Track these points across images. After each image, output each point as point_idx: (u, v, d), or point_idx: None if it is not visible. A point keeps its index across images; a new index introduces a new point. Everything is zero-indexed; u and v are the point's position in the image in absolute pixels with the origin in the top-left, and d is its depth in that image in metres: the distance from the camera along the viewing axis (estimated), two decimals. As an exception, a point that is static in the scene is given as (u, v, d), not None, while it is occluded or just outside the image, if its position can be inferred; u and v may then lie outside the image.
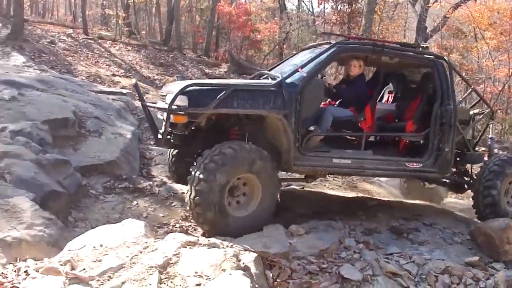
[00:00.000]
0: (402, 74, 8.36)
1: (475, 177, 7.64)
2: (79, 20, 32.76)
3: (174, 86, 6.41)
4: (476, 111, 8.34)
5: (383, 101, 8.52)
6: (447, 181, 8.01)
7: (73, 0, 39.92)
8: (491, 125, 8.47)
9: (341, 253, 5.39)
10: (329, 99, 7.74)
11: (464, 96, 9.84)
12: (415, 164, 7.02)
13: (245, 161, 5.76)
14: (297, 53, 8.35)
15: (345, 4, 26.13)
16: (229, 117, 6.33)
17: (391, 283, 4.95)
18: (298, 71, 6.31)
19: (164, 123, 5.98)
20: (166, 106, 5.81)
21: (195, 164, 5.78)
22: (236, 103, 5.82)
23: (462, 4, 22.21)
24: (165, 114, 5.94)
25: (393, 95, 8.52)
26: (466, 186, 7.89)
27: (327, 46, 6.83)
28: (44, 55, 17.45)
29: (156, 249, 4.44)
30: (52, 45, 20.04)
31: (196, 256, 4.42)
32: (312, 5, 58.45)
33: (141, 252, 4.39)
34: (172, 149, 7.56)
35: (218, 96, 5.67)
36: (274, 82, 6.22)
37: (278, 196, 6.34)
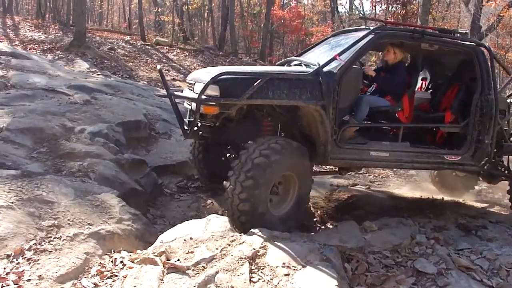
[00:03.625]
0: (437, 60, 7.95)
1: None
2: (133, 27, 33.50)
3: (203, 74, 6.03)
4: None
5: (416, 88, 7.94)
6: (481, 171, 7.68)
7: (128, 8, 40.86)
8: None
9: (414, 248, 5.48)
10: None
11: (504, 85, 9.45)
12: (453, 157, 6.77)
13: (291, 158, 5.56)
14: (326, 38, 7.84)
15: (399, 6, 25.88)
16: (262, 107, 6.04)
17: (465, 277, 5.00)
18: (336, 59, 5.94)
19: (193, 114, 5.77)
20: (195, 96, 5.48)
21: (237, 158, 5.46)
22: (271, 93, 5.47)
23: (517, 1, 21.69)
24: (193, 104, 5.66)
25: (426, 82, 8.21)
26: (502, 177, 7.66)
27: (363, 32, 6.48)
28: (106, 61, 17.96)
29: (243, 242, 4.67)
30: (112, 52, 20.58)
31: (282, 248, 4.63)
32: (363, 8, 58.07)
33: (229, 245, 4.62)
34: (197, 145, 7.30)
35: (253, 86, 5.32)
36: (311, 70, 5.84)
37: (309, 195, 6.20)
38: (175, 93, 6.27)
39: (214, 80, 5.30)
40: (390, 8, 27.34)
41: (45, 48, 17.87)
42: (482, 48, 6.94)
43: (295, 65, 6.91)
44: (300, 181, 5.81)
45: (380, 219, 6.33)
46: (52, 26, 24.33)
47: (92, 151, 6.82)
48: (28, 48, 17.34)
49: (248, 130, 6.12)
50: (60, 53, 17.42)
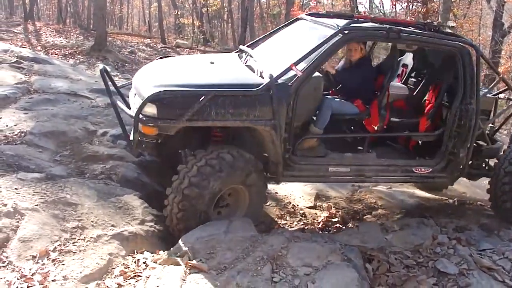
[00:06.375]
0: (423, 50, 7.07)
1: (493, 166, 6.91)
2: (153, 30, 33.76)
3: (144, 83, 5.48)
4: (502, 95, 7.58)
5: (396, 75, 7.46)
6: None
7: (147, 11, 41.14)
8: None
9: (436, 248, 5.48)
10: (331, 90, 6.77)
11: (491, 86, 8.57)
12: (423, 169, 6.24)
13: (243, 171, 5.18)
14: (293, 21, 7.09)
15: (419, 4, 25.52)
16: None
17: (486, 277, 5.00)
18: (292, 69, 5.25)
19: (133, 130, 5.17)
20: (133, 113, 5.04)
21: (184, 164, 5.18)
22: (214, 114, 4.92)
23: (541, -3, 21.40)
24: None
25: (407, 70, 7.56)
26: (483, 175, 7.12)
27: (331, 30, 5.71)
28: (126, 64, 18.10)
29: (264, 243, 4.72)
30: (133, 55, 20.76)
31: (303, 249, 4.69)
32: (383, 6, 57.34)
33: (251, 246, 4.67)
34: None
35: (193, 106, 4.83)
36: (261, 83, 5.15)
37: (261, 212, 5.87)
38: (118, 104, 5.74)
39: (151, 99, 4.84)
40: (410, 7, 27.02)
41: (67, 53, 18.04)
42: (468, 48, 6.17)
43: (247, 65, 6.11)
44: (251, 196, 5.46)
45: (401, 219, 6.36)
46: (73, 30, 24.63)
47: (115, 154, 6.89)
48: (50, 53, 17.52)
49: (196, 141, 5.70)
50: (82, 57, 17.59)
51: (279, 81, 5.21)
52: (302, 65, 5.31)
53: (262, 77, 5.43)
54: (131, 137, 5.40)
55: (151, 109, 4.88)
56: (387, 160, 6.16)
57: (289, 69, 5.26)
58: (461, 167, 6.45)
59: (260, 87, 5.09)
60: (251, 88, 5.12)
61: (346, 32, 5.56)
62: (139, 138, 5.31)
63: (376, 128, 6.17)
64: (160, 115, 4.87)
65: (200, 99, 4.86)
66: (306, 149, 5.78)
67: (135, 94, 5.70)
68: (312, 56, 5.38)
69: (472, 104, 6.06)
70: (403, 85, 7.33)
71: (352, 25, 5.73)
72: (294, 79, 5.26)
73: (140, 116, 4.90)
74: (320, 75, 5.75)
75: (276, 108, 5.09)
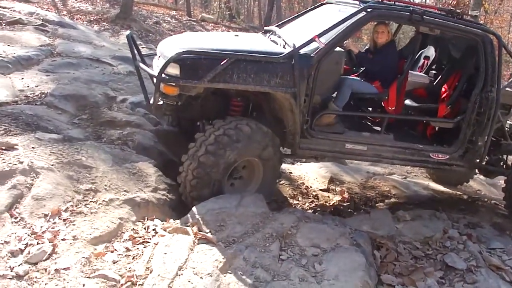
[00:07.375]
0: (444, 37, 6.91)
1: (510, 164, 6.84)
2: (180, 2, 33.64)
3: (168, 47, 5.52)
4: None
5: (417, 67, 7.48)
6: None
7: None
8: None
9: (445, 242, 5.44)
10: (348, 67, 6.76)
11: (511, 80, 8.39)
12: (440, 155, 6.21)
13: (259, 144, 5.24)
14: (319, 5, 7.10)
15: (451, -4, 25.19)
16: None
17: (494, 276, 4.94)
18: (315, 40, 5.30)
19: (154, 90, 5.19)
20: (157, 72, 5.01)
21: (202, 132, 5.22)
22: (236, 77, 4.98)
23: None
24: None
25: (429, 62, 7.45)
26: (499, 172, 7.04)
27: (355, 8, 5.66)
28: (150, 34, 18.07)
29: (275, 220, 4.73)
30: (157, 26, 20.65)
31: (312, 229, 4.69)
32: (414, -2, 56.60)
33: (261, 222, 4.68)
34: None
35: (215, 68, 4.87)
36: (284, 52, 5.22)
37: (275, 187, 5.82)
38: (141, 65, 5.75)
39: (175, 59, 4.88)
40: (443, -1, 26.74)
41: (92, 19, 18.00)
42: (491, 36, 6.13)
43: (272, 40, 6.18)
44: (266, 171, 5.53)
45: (413, 210, 6.30)
46: (100, -3, 24.58)
47: (133, 121, 6.93)
48: (75, 18, 17.47)
49: (215, 110, 5.78)
50: (106, 24, 17.55)
51: (302, 51, 5.25)
52: (325, 38, 5.35)
53: (285, 48, 5.47)
54: (152, 101, 5.38)
55: (174, 70, 4.93)
56: (405, 143, 6.17)
57: (312, 40, 5.31)
58: (479, 157, 6.41)
59: (283, 55, 5.18)
60: (273, 58, 5.18)
61: (369, 10, 5.59)
62: (160, 99, 5.37)
63: (392, 109, 6.18)
64: (183, 75, 4.91)
65: (223, 62, 4.90)
66: (324, 125, 5.81)
67: (159, 56, 5.73)
68: (335, 30, 5.41)
69: (493, 93, 6.02)
70: (424, 75, 7.26)
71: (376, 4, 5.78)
72: (317, 50, 5.29)
73: (163, 75, 4.93)
74: (343, 50, 5.85)
75: (297, 77, 5.15)
